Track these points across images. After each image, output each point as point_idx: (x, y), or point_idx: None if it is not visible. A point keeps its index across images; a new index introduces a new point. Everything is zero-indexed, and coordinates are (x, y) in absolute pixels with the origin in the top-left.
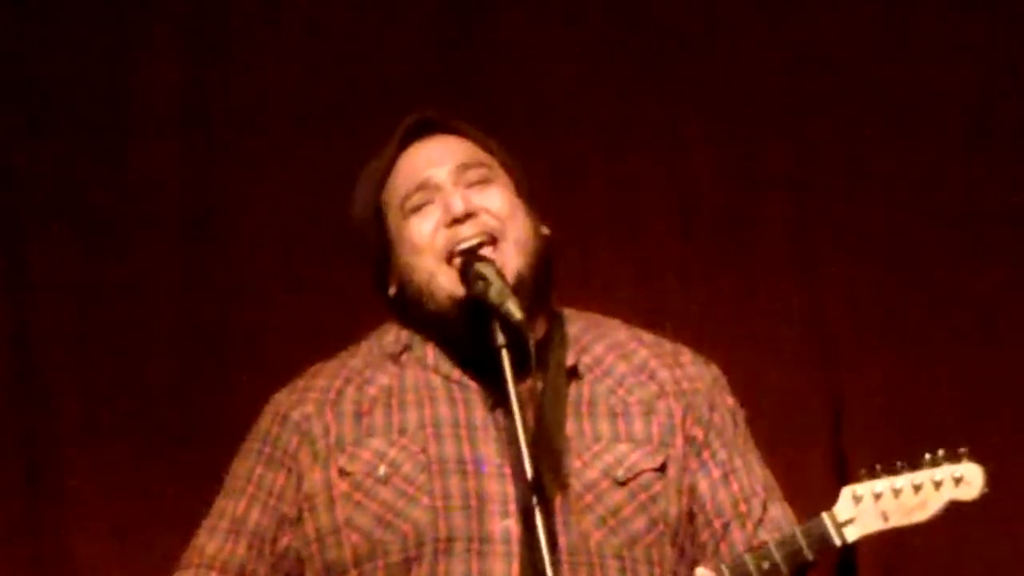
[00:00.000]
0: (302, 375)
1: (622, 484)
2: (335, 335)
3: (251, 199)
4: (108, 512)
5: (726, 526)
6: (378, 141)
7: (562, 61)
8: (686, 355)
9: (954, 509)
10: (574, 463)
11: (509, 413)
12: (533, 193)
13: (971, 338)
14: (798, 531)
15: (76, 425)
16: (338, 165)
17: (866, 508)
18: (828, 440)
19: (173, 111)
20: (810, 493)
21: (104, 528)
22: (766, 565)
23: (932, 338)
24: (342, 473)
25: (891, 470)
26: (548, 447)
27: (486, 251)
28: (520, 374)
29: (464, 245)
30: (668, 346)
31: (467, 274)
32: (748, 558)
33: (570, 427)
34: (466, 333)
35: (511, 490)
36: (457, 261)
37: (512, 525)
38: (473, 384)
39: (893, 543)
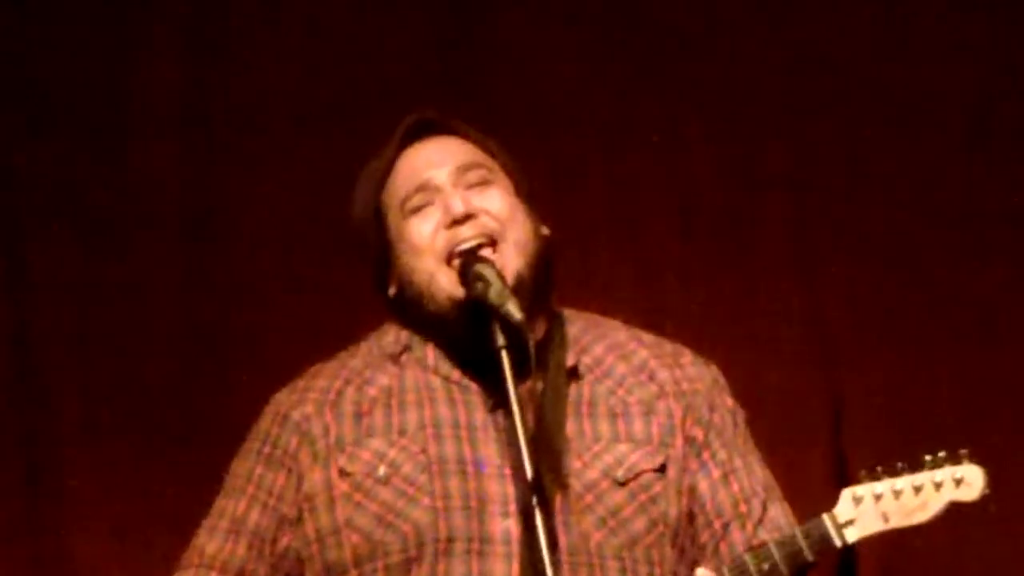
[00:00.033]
0: (302, 375)
1: (622, 484)
2: (335, 335)
3: (251, 199)
4: (108, 512)
5: (726, 526)
6: (378, 141)
7: (562, 61)
8: (686, 356)
9: (954, 510)
10: (574, 464)
11: (509, 414)
12: (533, 194)
13: (971, 338)
14: (798, 532)
15: (76, 425)
16: (338, 165)
17: (866, 509)
18: (828, 440)
19: (173, 111)
20: (810, 493)
21: (104, 528)
22: (766, 566)
23: (932, 338)
24: (342, 473)
25: (892, 471)
26: (548, 448)
27: (486, 252)
28: (520, 375)
29: (464, 246)
30: (668, 347)
31: (467, 275)
32: (748, 558)
33: (570, 428)
34: (466, 334)
35: (511, 491)
36: (457, 262)
37: (512, 526)
38: (473, 385)
39: (893, 544)
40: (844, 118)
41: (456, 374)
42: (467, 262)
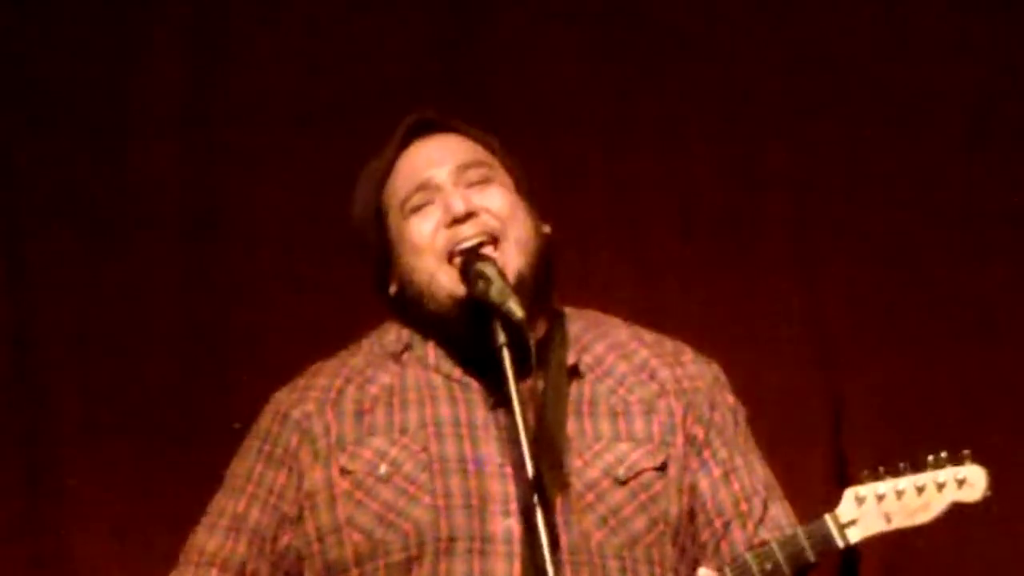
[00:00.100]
0: (303, 374)
1: (623, 483)
2: (335, 335)
3: (251, 199)
4: (108, 512)
5: (727, 525)
6: (378, 141)
7: (562, 61)
8: (687, 354)
9: (956, 509)
10: (575, 462)
11: (510, 412)
12: (533, 192)
13: (971, 338)
14: (800, 532)
15: (76, 425)
16: (338, 165)
17: (869, 509)
18: (828, 440)
19: (173, 111)
20: (810, 493)
21: (104, 528)
22: (769, 566)
23: (932, 338)
24: (343, 472)
25: (894, 472)
26: (549, 446)
27: (487, 251)
28: (521, 373)
29: (465, 245)
30: (669, 345)
31: (468, 273)
32: (750, 558)
33: (571, 426)
34: (467, 332)
35: (512, 489)
36: (458, 261)
37: (513, 524)
38: (474, 383)
39: (895, 544)
40: (844, 118)
41: (457, 372)
42: (468, 260)
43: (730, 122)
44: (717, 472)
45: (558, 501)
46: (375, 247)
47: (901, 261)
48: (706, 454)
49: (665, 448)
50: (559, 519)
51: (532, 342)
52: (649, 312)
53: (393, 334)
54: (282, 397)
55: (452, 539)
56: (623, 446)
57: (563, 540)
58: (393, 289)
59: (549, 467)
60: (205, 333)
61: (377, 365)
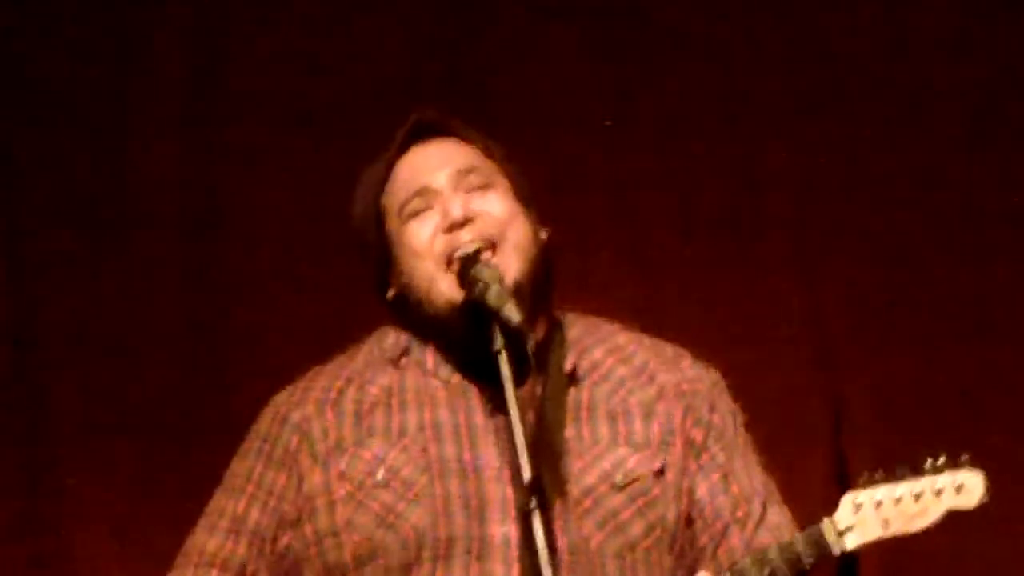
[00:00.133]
0: (302, 377)
1: (621, 488)
2: (335, 335)
3: (251, 199)
4: (108, 512)
5: (725, 529)
6: (378, 141)
7: (562, 61)
8: (686, 359)
9: (955, 512)
10: (573, 467)
11: (508, 417)
12: (532, 197)
13: (971, 338)
14: (798, 537)
15: (76, 425)
16: (338, 165)
17: (866, 515)
18: (828, 440)
19: (173, 111)
20: (810, 494)
21: (104, 528)
22: (767, 571)
23: (932, 338)
24: (342, 475)
25: (891, 477)
26: (548, 450)
27: (485, 256)
28: (520, 378)
29: (463, 250)
30: (668, 350)
31: (465, 277)
32: (749, 563)
33: (569, 431)
34: (465, 337)
35: (511, 493)
36: (456, 266)
37: (512, 528)
38: (473, 388)
39: (895, 546)
40: (844, 118)
41: (456, 377)
42: (466, 264)
43: (730, 122)
44: (715, 476)
45: (556, 505)
46: (374, 251)
47: (901, 261)
48: (704, 458)
49: (664, 452)
50: (557, 523)
51: (530, 346)
52: (649, 312)
53: (391, 338)
54: (281, 399)
55: (450, 542)
56: (621, 450)
57: (561, 544)
58: (391, 293)
59: (547, 471)
60: (205, 333)
61: (376, 369)
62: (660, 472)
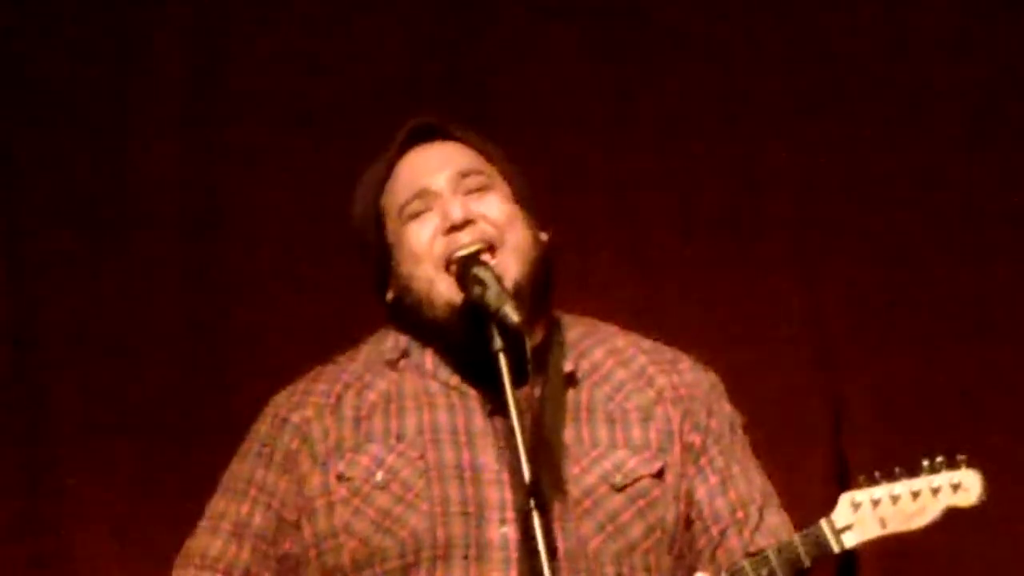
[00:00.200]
0: (301, 379)
1: (620, 490)
2: (335, 335)
3: (251, 199)
4: (108, 512)
5: (723, 532)
6: (378, 141)
7: (562, 61)
8: (684, 362)
9: (954, 512)
10: (572, 469)
11: (507, 419)
12: (532, 200)
13: (971, 338)
14: (796, 538)
15: (76, 425)
16: (338, 165)
17: (864, 514)
18: (828, 440)
19: (173, 111)
20: (810, 494)
21: (104, 528)
22: (764, 572)
23: (932, 338)
24: (341, 478)
25: (889, 476)
26: (546, 453)
27: (485, 258)
28: (518, 380)
29: (462, 252)
30: (667, 353)
31: (464, 278)
32: (746, 564)
33: (568, 433)
34: (465, 339)
35: (509, 496)
36: (455, 268)
37: (510, 531)
38: (472, 390)
39: (894, 547)
40: (844, 118)
41: (455, 379)
42: (465, 265)
43: (730, 122)
44: (714, 480)
45: (555, 507)
46: (374, 253)
47: (901, 261)
48: (703, 461)
49: (662, 455)
50: (556, 525)
51: (529, 348)
52: (649, 312)
53: (390, 341)
54: (280, 401)
55: (449, 546)
56: (620, 453)
57: (560, 547)
58: (391, 296)
59: (546, 474)
60: (205, 333)
61: (375, 371)
62: (659, 474)
